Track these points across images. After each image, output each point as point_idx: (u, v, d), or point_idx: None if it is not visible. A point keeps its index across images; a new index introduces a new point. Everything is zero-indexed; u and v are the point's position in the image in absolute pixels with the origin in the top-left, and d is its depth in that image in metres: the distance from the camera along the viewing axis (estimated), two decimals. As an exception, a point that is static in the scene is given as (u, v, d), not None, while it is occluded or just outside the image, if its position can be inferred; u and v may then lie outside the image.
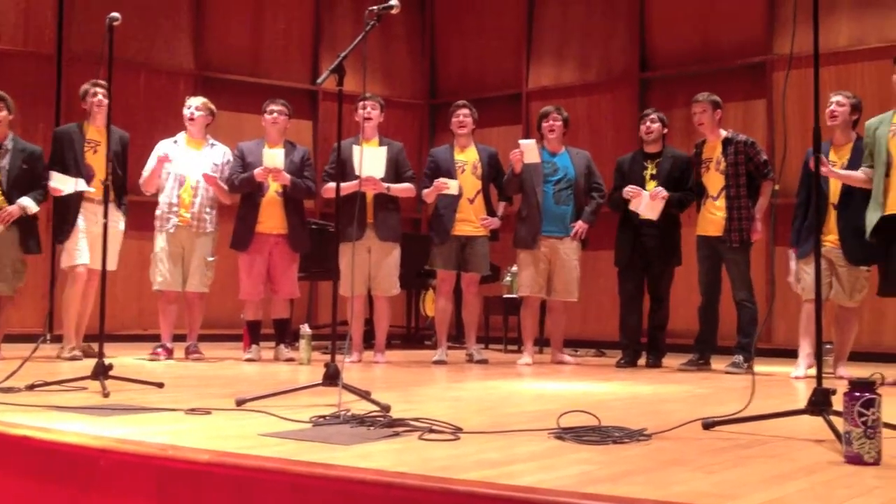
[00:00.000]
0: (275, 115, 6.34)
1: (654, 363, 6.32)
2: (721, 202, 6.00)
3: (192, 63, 8.61)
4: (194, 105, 6.35)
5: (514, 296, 7.94)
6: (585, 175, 6.49)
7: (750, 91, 8.09)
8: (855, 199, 5.36)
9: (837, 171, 5.34)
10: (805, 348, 5.52)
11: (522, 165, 6.29)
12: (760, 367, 6.25)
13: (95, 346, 4.40)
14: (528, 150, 6.23)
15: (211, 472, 2.35)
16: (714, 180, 6.05)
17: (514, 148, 6.40)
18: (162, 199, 6.24)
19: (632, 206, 6.15)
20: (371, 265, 6.20)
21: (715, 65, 8.29)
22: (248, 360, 6.16)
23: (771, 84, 7.89)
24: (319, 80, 4.08)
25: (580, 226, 6.39)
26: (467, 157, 6.48)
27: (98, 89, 6.00)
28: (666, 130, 6.42)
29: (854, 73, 7.48)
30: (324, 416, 3.12)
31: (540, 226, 6.35)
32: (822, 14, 7.89)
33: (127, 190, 6.31)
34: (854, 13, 7.66)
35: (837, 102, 5.55)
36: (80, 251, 5.98)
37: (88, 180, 5.98)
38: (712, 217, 6.04)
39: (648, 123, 6.34)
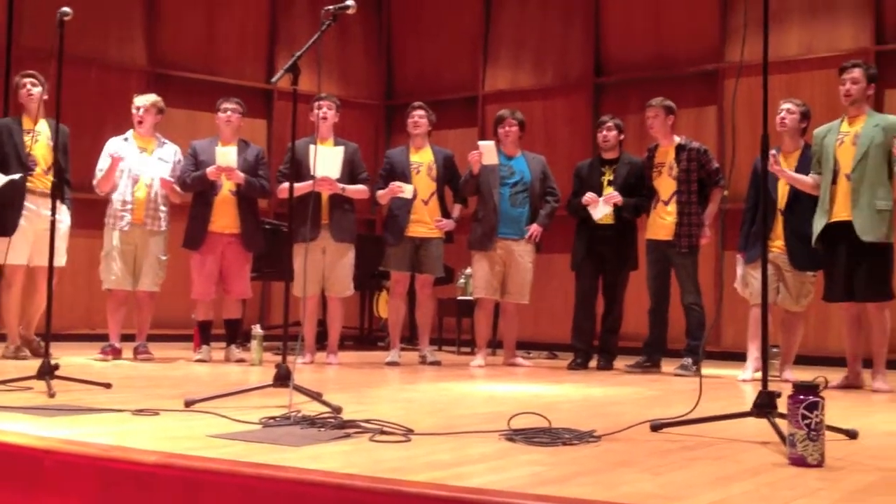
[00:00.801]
0: (228, 113, 6.28)
1: (606, 366, 6.38)
2: (672, 207, 6.08)
3: (145, 60, 8.50)
4: (143, 105, 6.25)
5: (468, 298, 7.96)
6: (540, 179, 6.53)
7: (702, 98, 8.20)
8: (802, 205, 5.47)
9: (787, 172, 5.42)
10: (752, 352, 5.60)
11: (480, 167, 6.31)
12: (709, 369, 6.32)
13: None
14: (487, 152, 6.25)
15: (158, 474, 2.32)
16: (666, 185, 6.13)
17: (469, 150, 6.42)
18: (115, 196, 6.15)
19: (591, 211, 6.20)
20: (325, 266, 6.18)
21: (668, 71, 8.39)
22: (199, 360, 6.10)
23: (722, 91, 8.01)
24: (274, 79, 4.06)
25: (535, 229, 6.43)
26: (422, 158, 6.49)
27: (27, 80, 5.96)
28: (622, 137, 6.48)
29: (803, 82, 7.61)
30: (274, 418, 3.10)
31: (496, 228, 6.37)
32: (773, 23, 8.03)
33: (71, 185, 6.20)
34: (804, 23, 7.80)
35: (787, 110, 5.65)
36: (17, 250, 5.84)
37: (31, 170, 5.88)
38: (662, 221, 6.12)
39: (605, 132, 6.40)
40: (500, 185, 6.41)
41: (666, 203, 6.12)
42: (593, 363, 6.42)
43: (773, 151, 5.05)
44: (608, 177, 6.35)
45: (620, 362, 6.40)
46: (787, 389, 2.65)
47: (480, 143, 6.37)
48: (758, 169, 5.68)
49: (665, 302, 6.19)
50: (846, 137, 5.20)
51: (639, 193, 6.29)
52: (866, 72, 5.24)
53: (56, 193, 4.39)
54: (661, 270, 6.16)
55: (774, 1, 7.55)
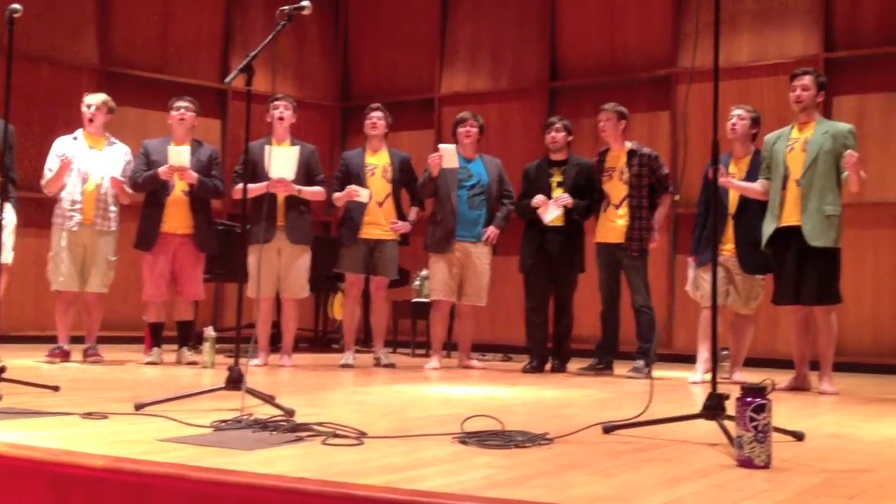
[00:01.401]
0: (181, 112, 6.22)
1: (559, 368, 6.42)
2: (623, 210, 6.13)
3: (97, 57, 8.38)
4: (93, 104, 6.16)
5: (423, 300, 7.97)
6: (497, 182, 6.56)
7: (655, 103, 8.29)
8: (751, 209, 5.55)
9: (736, 182, 5.53)
10: (703, 354, 5.67)
11: (440, 170, 6.31)
12: (660, 371, 6.41)
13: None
14: (448, 155, 6.25)
15: (106, 479, 2.29)
16: (616, 189, 6.18)
17: (425, 152, 6.43)
18: (63, 196, 6.06)
19: (540, 214, 6.23)
20: (281, 267, 6.15)
21: (622, 76, 8.47)
22: (149, 363, 6.03)
23: (675, 96, 8.10)
24: (228, 79, 4.03)
25: (492, 231, 6.45)
26: (379, 160, 6.48)
27: None
28: (571, 138, 6.53)
29: (754, 88, 7.73)
30: (225, 421, 3.07)
31: (454, 230, 6.38)
32: (725, 30, 8.17)
33: (16, 183, 6.08)
34: (755, 30, 7.93)
35: (738, 116, 5.74)
36: None
37: None
38: (613, 225, 6.17)
39: (554, 133, 6.43)
40: (458, 188, 6.42)
41: (617, 207, 6.17)
42: (548, 366, 6.45)
43: (720, 165, 5.12)
44: (557, 178, 6.39)
45: (574, 365, 6.44)
46: (736, 391, 2.69)
47: (441, 146, 6.37)
48: (709, 175, 5.75)
49: (616, 304, 6.24)
50: (796, 144, 5.29)
51: (588, 195, 6.35)
52: (816, 79, 5.33)
53: (1, 192, 4.31)
54: (611, 273, 6.21)
55: (726, 8, 7.75)
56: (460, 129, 6.54)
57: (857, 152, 5.06)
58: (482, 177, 6.51)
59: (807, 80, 5.31)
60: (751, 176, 5.61)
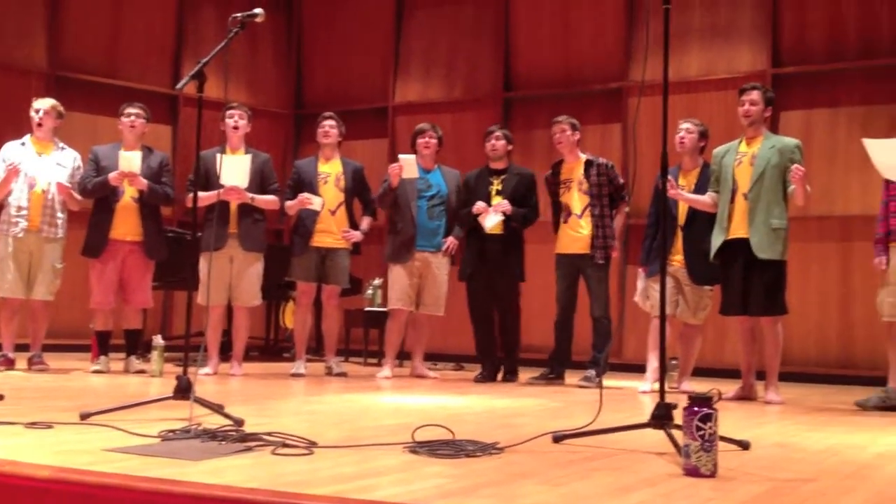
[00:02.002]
0: (132, 118, 6.15)
1: (511, 378, 6.43)
2: (586, 220, 6.17)
3: (46, 61, 8.25)
4: (42, 108, 6.07)
5: (375, 309, 7.95)
6: (456, 193, 6.58)
7: (607, 115, 8.39)
8: (699, 221, 5.64)
9: (685, 195, 5.60)
10: (652, 363, 5.73)
11: (399, 180, 6.31)
12: (611, 381, 6.46)
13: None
14: (408, 166, 6.26)
15: (51, 489, 2.25)
16: (576, 199, 6.22)
17: (379, 161, 6.43)
18: (10, 202, 5.94)
19: (480, 221, 6.26)
20: (233, 275, 6.10)
21: (575, 88, 8.56)
22: (96, 371, 5.93)
23: (627, 109, 8.20)
24: (179, 86, 3.99)
25: (451, 242, 6.47)
26: (331, 168, 6.46)
27: None
28: (510, 147, 6.57)
29: (703, 102, 7.86)
30: (173, 431, 3.03)
31: (413, 240, 6.39)
32: (675, 45, 8.25)
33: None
34: (704, 45, 8.06)
35: (686, 130, 5.83)
36: None
37: None
38: (576, 235, 6.20)
39: (493, 141, 6.47)
40: (417, 199, 6.43)
41: (580, 216, 6.21)
42: (500, 375, 6.47)
43: (669, 177, 5.19)
44: (496, 187, 6.42)
45: (526, 374, 6.46)
46: (684, 401, 2.72)
47: (401, 156, 6.37)
48: (659, 187, 5.83)
49: (571, 315, 6.28)
50: (744, 158, 5.39)
51: (528, 204, 6.39)
52: (764, 94, 5.44)
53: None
54: (570, 283, 6.25)
55: (676, 23, 7.84)
56: (419, 140, 6.56)
57: (804, 167, 5.16)
58: (441, 188, 6.54)
59: (755, 94, 5.41)
60: (699, 188, 5.69)
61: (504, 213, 6.23)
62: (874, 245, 5.18)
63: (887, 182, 4.96)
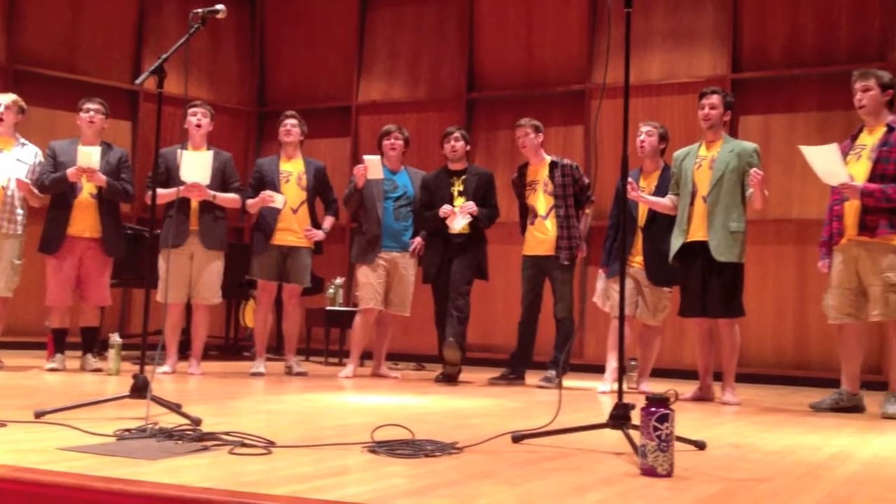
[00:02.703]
0: (91, 113, 6.07)
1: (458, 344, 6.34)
2: (551, 221, 6.20)
3: (4, 55, 8.12)
4: (3, 103, 5.98)
5: (337, 308, 7.93)
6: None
7: (570, 117, 8.43)
8: (659, 223, 5.69)
9: (646, 197, 5.65)
10: (612, 363, 5.78)
11: (364, 181, 6.30)
12: (571, 381, 6.50)
13: None
14: (373, 166, 6.24)
15: (4, 488, 2.22)
16: (542, 201, 6.25)
17: (342, 160, 6.41)
18: (-32, 198, 5.85)
19: (448, 223, 6.26)
20: (192, 272, 6.04)
21: (538, 90, 8.60)
22: (51, 369, 5.85)
23: (589, 111, 8.26)
24: (138, 81, 3.94)
25: (418, 242, 6.47)
26: (293, 167, 6.43)
27: None
28: (468, 148, 6.58)
29: (665, 105, 7.94)
30: (129, 430, 3.00)
31: (380, 241, 6.37)
32: (637, 49, 8.35)
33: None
34: (666, 49, 8.14)
35: (647, 133, 5.88)
36: None
37: None
38: (542, 237, 6.23)
39: (453, 142, 6.47)
40: (383, 199, 6.42)
41: (545, 218, 6.23)
42: (462, 375, 6.47)
43: (630, 179, 5.23)
44: (458, 187, 6.43)
45: (487, 374, 6.47)
46: (642, 401, 2.75)
47: (366, 157, 6.35)
48: (620, 187, 5.87)
49: (535, 316, 6.30)
50: (704, 161, 5.44)
51: (489, 204, 6.42)
52: (724, 98, 5.50)
53: None
54: (536, 285, 6.27)
55: (638, 27, 7.93)
56: (385, 142, 6.55)
57: (762, 171, 5.23)
58: (408, 189, 6.54)
59: (715, 99, 5.47)
60: (660, 190, 5.75)
61: (471, 215, 6.24)
62: (819, 248, 5.27)
63: (833, 186, 5.05)
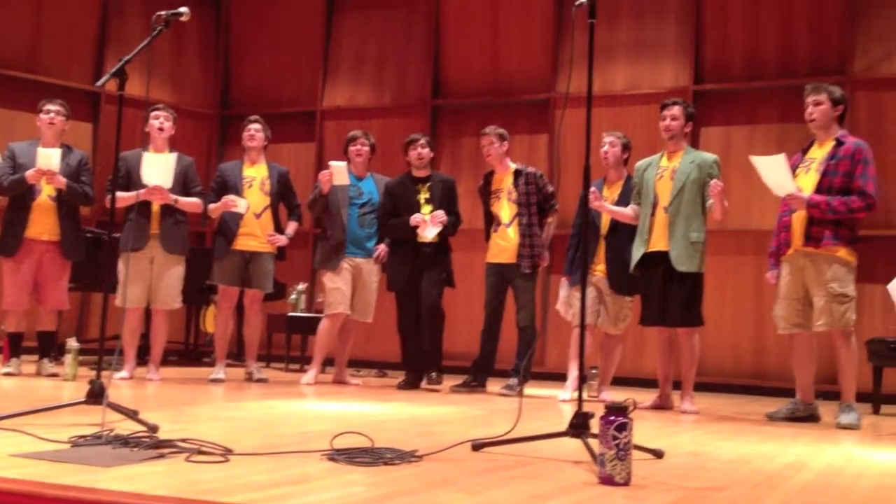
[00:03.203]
0: (51, 115, 6.00)
1: (436, 379, 6.40)
2: (514, 230, 6.21)
3: (-39, 53, 8.00)
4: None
5: (299, 314, 7.89)
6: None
7: (534, 125, 8.47)
8: (621, 232, 5.74)
9: (608, 206, 5.69)
10: (573, 372, 5.81)
11: (330, 186, 6.28)
12: (533, 389, 6.52)
13: None
14: (338, 172, 6.22)
15: (-48, 497, 2.18)
16: (506, 209, 6.26)
17: (306, 165, 6.38)
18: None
19: (420, 232, 6.26)
20: (152, 277, 5.98)
21: (503, 98, 8.63)
22: (7, 374, 5.76)
23: (554, 120, 8.29)
24: (100, 83, 3.91)
25: (382, 249, 6.45)
26: (257, 172, 6.40)
27: None
28: (432, 154, 6.59)
29: (628, 115, 8.00)
30: (85, 437, 2.96)
31: (344, 246, 6.35)
32: (601, 60, 8.39)
33: None
34: (630, 60, 8.21)
35: (610, 143, 5.93)
36: None
37: None
38: (505, 245, 6.24)
39: (419, 149, 6.46)
40: (348, 206, 6.40)
41: (508, 226, 6.24)
42: (425, 380, 6.46)
43: (593, 188, 5.26)
44: (424, 195, 6.42)
45: (449, 381, 6.46)
46: (601, 410, 2.76)
47: (332, 163, 6.32)
48: (583, 198, 5.91)
49: (498, 324, 6.31)
50: (665, 172, 5.50)
51: (455, 211, 6.44)
52: (685, 109, 5.56)
53: None
54: (498, 292, 6.28)
55: (603, 38, 8.00)
56: (352, 148, 6.54)
57: (722, 182, 5.29)
58: (373, 195, 6.53)
59: (676, 110, 5.53)
60: (623, 199, 5.80)
61: (442, 223, 6.23)
62: (768, 259, 5.34)
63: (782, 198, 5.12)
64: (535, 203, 6.22)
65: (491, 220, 6.38)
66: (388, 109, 9.11)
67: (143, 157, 5.77)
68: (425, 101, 8.93)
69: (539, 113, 8.46)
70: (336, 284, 6.37)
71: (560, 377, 6.50)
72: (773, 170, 4.96)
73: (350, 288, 6.40)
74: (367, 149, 6.56)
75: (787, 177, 4.92)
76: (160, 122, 6.04)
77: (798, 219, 5.01)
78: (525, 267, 6.15)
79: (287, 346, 7.98)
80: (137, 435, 3.00)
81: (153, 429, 3.18)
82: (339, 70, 9.42)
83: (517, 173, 6.28)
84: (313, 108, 9.36)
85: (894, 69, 7.37)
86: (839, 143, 5.02)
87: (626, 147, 5.96)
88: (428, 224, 6.23)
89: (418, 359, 6.42)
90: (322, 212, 6.50)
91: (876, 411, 6.08)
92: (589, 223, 5.67)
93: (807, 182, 5.01)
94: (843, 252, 4.94)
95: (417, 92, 9.02)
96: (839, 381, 5.09)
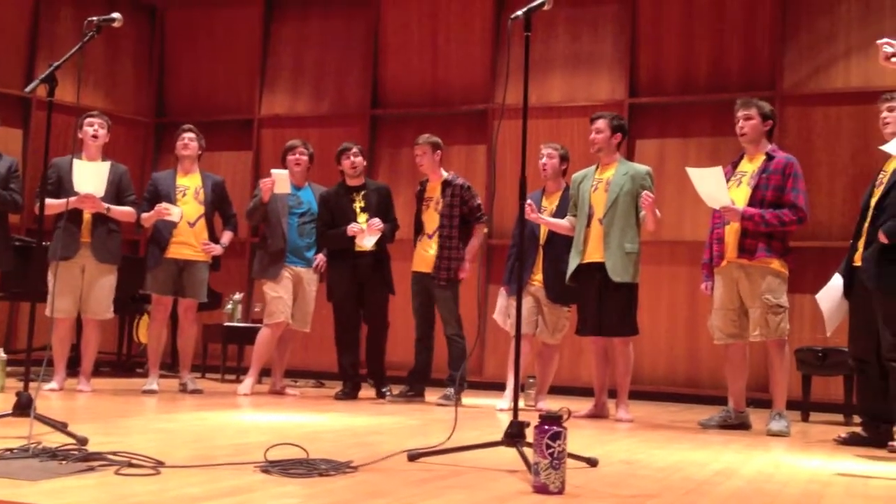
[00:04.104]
0: (-21, 121, 5.85)
1: (380, 391, 6.39)
2: (435, 240, 6.23)
3: None
4: None
5: (235, 324, 7.80)
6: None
7: (473, 136, 8.51)
8: (557, 242, 5.79)
9: (544, 218, 5.73)
10: (512, 381, 5.82)
11: (271, 195, 6.22)
12: (471, 399, 6.53)
13: None
14: (280, 181, 6.17)
15: None
16: (431, 219, 6.28)
17: (242, 173, 6.32)
18: None
19: (358, 241, 6.24)
20: (83, 286, 5.86)
21: (442, 108, 8.66)
22: (-69, 386, 5.59)
23: (492, 130, 8.34)
24: (28, 89, 3.85)
25: (321, 259, 6.42)
26: (190, 181, 6.31)
27: None
28: (366, 163, 6.59)
29: (565, 127, 8.09)
30: (11, 450, 2.88)
31: (284, 256, 6.31)
32: (539, 72, 8.45)
33: None
34: (567, 73, 8.30)
35: (548, 155, 5.99)
36: None
37: None
38: (426, 254, 6.25)
39: (352, 158, 6.45)
40: (288, 215, 6.35)
41: (430, 236, 6.26)
42: (363, 392, 6.44)
43: (529, 201, 5.29)
44: (360, 203, 6.42)
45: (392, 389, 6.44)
46: (536, 419, 2.78)
47: (274, 171, 6.27)
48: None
49: (430, 332, 6.32)
50: (600, 184, 5.57)
51: (390, 218, 6.45)
52: (611, 122, 5.64)
53: None
54: (424, 301, 6.29)
55: (541, 50, 8.08)
56: (290, 157, 6.50)
57: (654, 193, 5.38)
58: (312, 205, 6.49)
59: (600, 123, 5.63)
60: (562, 210, 5.85)
61: (379, 231, 6.23)
62: (701, 270, 5.44)
63: (714, 210, 5.23)
64: (458, 216, 6.23)
65: (420, 228, 6.39)
66: (326, 118, 9.07)
67: (75, 164, 5.66)
68: (364, 110, 8.91)
69: (477, 123, 8.51)
70: (278, 293, 6.32)
71: (499, 386, 6.53)
72: (708, 182, 5.06)
73: (291, 297, 6.36)
74: (305, 158, 6.53)
75: (722, 189, 5.02)
76: (94, 129, 5.93)
77: (731, 231, 5.12)
78: (441, 279, 6.16)
79: (223, 356, 7.88)
80: (66, 448, 2.94)
81: (82, 441, 3.11)
82: (277, 78, 9.35)
83: (445, 184, 6.29)
84: (251, 117, 9.28)
85: (822, 85, 7.57)
86: (769, 157, 5.14)
87: (563, 158, 6.02)
88: (365, 233, 6.22)
89: (355, 369, 6.41)
90: (261, 220, 6.44)
91: (805, 419, 6.22)
92: (526, 233, 5.71)
93: (738, 195, 5.12)
94: (776, 264, 5.06)
95: (356, 101, 9.00)
96: (771, 390, 5.20)
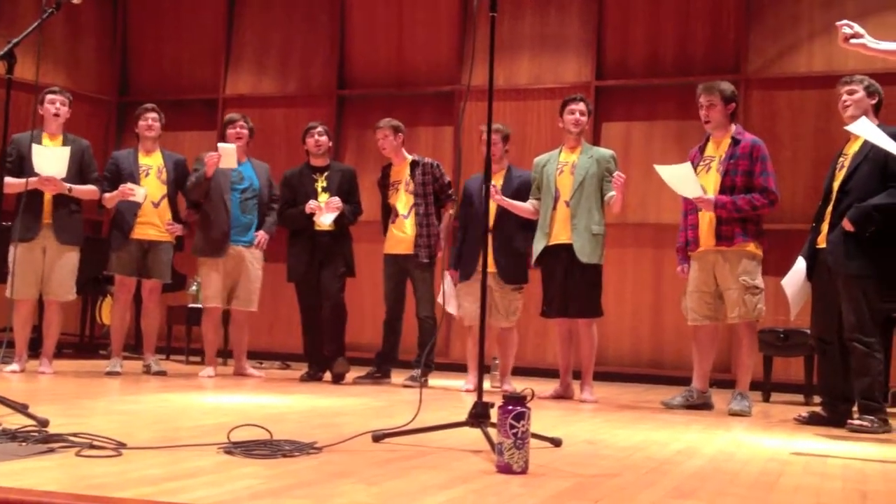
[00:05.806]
0: (-65, 98, 5.73)
1: (340, 378, 6.37)
2: (411, 220, 6.21)
3: None
4: None
5: (199, 305, 7.74)
6: (267, 186, 6.48)
7: (439, 117, 8.48)
8: (509, 222, 5.74)
9: (508, 201, 5.68)
10: (474, 364, 5.84)
11: (215, 170, 6.13)
12: (438, 380, 6.55)
13: None
14: (227, 155, 6.04)
15: None
16: (403, 200, 6.26)
17: (206, 152, 6.24)
18: None
19: (316, 219, 6.20)
20: (45, 267, 5.78)
21: (409, 89, 8.62)
22: None
23: (458, 112, 8.33)
24: (-14, 66, 3.76)
25: (262, 236, 6.36)
26: (153, 161, 6.25)
27: None
28: (331, 143, 6.55)
29: (531, 109, 8.10)
30: (-30, 432, 2.85)
31: (228, 235, 6.23)
32: (506, 54, 8.44)
33: None
34: (534, 55, 8.29)
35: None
36: None
37: None
38: (403, 236, 6.23)
39: (317, 137, 6.40)
40: (230, 191, 6.28)
41: (405, 217, 6.24)
42: (330, 376, 6.42)
43: (493, 183, 5.27)
44: (322, 183, 6.36)
45: (352, 373, 6.44)
46: (501, 400, 2.80)
47: (221, 145, 6.15)
48: (468, 189, 5.95)
49: (400, 315, 6.31)
50: (565, 167, 5.59)
51: (353, 200, 6.40)
52: (587, 106, 5.66)
53: None
54: (397, 283, 6.28)
55: (508, 32, 8.07)
56: (230, 131, 6.37)
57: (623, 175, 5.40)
58: (254, 181, 6.40)
59: (583, 105, 5.64)
60: (505, 189, 5.77)
61: (337, 210, 6.18)
62: (676, 253, 5.48)
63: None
64: (432, 193, 6.23)
65: (388, 213, 6.36)
66: (292, 98, 8.99)
67: (34, 149, 5.54)
68: (330, 90, 8.85)
69: (444, 105, 8.48)
70: (209, 277, 6.24)
71: (464, 368, 6.55)
72: (678, 177, 5.11)
73: (228, 279, 6.28)
74: (245, 132, 6.40)
75: (693, 182, 5.07)
76: (56, 106, 5.84)
77: (705, 218, 5.16)
78: (423, 256, 6.15)
79: (187, 338, 7.83)
80: (26, 429, 2.91)
81: (43, 423, 3.08)
82: (242, 58, 9.25)
83: (414, 164, 6.28)
84: (215, 96, 9.18)
85: (786, 69, 7.63)
86: (735, 141, 5.17)
87: (505, 139, 5.95)
88: (323, 210, 6.17)
89: (319, 351, 6.38)
90: (202, 196, 6.29)
91: (766, 399, 6.31)
92: (474, 215, 5.71)
93: (708, 181, 5.16)
94: (751, 246, 5.13)
95: (322, 81, 8.93)
96: (736, 370, 5.27)
